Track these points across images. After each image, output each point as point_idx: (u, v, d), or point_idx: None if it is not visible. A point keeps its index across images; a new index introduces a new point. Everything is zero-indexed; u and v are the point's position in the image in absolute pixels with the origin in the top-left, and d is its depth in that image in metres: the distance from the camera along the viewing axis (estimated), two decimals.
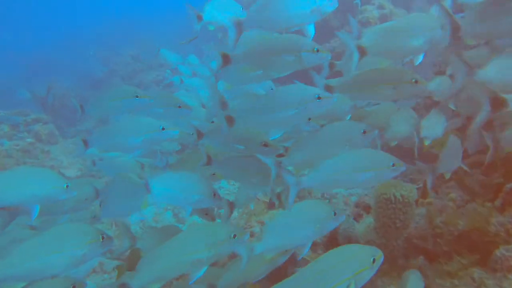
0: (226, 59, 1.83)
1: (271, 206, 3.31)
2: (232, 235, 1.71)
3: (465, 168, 2.35)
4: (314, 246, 2.80)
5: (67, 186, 1.82)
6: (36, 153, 6.15)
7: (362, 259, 1.43)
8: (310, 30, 1.86)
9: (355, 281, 1.38)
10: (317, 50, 1.81)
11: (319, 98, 1.78)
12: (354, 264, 1.41)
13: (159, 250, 1.69)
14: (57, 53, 13.44)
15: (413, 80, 1.88)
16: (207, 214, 2.35)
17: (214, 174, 2.25)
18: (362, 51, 1.78)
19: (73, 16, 20.19)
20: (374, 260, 1.43)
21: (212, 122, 2.37)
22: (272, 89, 2.16)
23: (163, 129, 2.13)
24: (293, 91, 1.83)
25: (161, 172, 2.17)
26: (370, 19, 5.85)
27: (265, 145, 2.03)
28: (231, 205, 2.24)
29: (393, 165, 1.71)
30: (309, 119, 2.04)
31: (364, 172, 1.70)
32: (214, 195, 2.02)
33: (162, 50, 5.81)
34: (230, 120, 1.91)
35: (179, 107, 2.38)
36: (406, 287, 1.92)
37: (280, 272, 2.26)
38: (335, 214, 1.71)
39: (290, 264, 2.55)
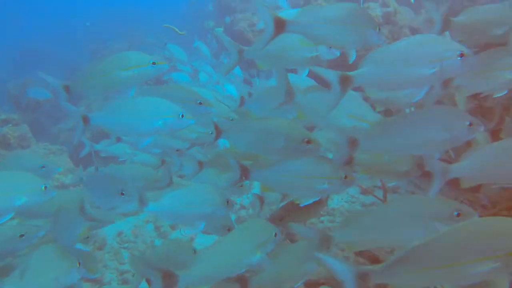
0: (280, 26, 1.44)
1: None
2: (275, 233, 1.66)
3: None
4: None
5: (45, 188, 1.75)
6: None
7: None
8: None
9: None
10: (379, 29, 1.54)
11: (462, 54, 1.38)
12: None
13: (212, 250, 1.59)
14: (45, 45, 13.08)
15: None
16: (229, 229, 2.02)
17: (241, 186, 1.98)
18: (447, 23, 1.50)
19: (64, 7, 19.89)
20: None
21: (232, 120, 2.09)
22: None
23: (182, 116, 1.78)
24: (427, 43, 1.41)
25: (163, 192, 1.87)
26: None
27: (308, 142, 1.67)
28: (261, 200, 2.08)
29: None
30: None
31: None
32: (228, 202, 1.83)
33: (169, 45, 5.50)
34: (346, 80, 1.43)
35: (200, 103, 2.01)
36: None
37: None
38: (458, 214, 1.34)
39: None
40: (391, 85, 1.49)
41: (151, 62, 1.80)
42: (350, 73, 1.42)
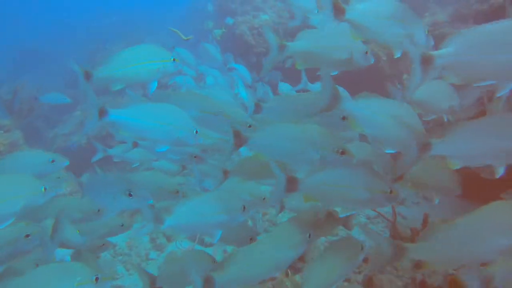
0: (339, 11, 1.34)
1: None
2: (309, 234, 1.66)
3: None
4: None
5: (45, 189, 1.74)
6: None
7: None
8: None
9: None
10: (428, 32, 1.51)
11: None
12: None
13: (245, 253, 1.61)
14: (45, 45, 13.05)
15: None
16: (251, 239, 1.93)
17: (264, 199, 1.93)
18: None
19: (64, 7, 19.80)
20: None
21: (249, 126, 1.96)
22: None
23: (196, 132, 1.77)
24: None
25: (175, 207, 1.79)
26: None
27: (343, 152, 1.56)
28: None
29: None
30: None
31: None
32: (244, 208, 1.76)
33: (177, 49, 5.43)
34: (427, 60, 1.31)
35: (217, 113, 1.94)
36: None
37: None
38: None
39: None
40: (474, 70, 1.33)
41: (172, 58, 1.73)
42: (432, 53, 1.30)
